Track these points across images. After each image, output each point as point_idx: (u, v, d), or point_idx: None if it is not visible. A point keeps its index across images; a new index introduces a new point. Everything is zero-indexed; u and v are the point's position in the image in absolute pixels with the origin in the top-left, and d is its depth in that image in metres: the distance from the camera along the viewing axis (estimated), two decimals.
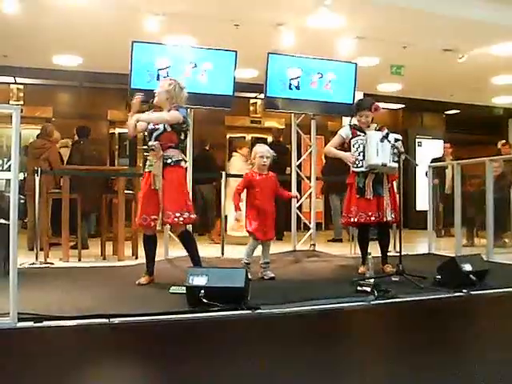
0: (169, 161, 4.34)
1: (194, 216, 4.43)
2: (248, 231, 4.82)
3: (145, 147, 4.47)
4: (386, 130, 4.99)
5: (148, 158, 4.41)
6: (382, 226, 5.13)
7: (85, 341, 2.99)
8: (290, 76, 6.48)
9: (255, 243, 4.81)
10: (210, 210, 9.32)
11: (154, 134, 4.36)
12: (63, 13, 6.67)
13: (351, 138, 5.11)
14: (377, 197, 4.97)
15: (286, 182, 6.91)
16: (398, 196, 5.11)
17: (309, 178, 7.20)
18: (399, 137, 4.97)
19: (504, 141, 9.55)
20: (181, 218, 4.31)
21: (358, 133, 5.07)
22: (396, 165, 4.79)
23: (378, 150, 4.82)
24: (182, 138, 4.46)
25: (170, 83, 4.45)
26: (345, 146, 5.25)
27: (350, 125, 5.23)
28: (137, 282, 4.35)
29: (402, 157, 4.76)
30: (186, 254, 4.52)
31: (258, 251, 4.86)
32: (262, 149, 4.92)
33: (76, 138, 7.99)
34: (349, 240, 7.11)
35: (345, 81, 6.72)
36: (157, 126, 4.36)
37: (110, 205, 6.53)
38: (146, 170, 4.40)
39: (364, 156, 4.94)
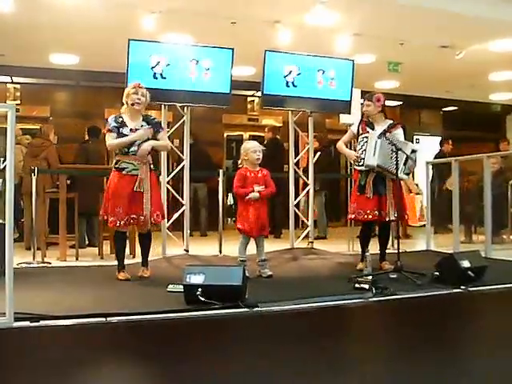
0: (151, 166, 4.68)
1: None
2: (239, 229, 4.81)
3: (127, 151, 4.54)
4: (398, 129, 4.98)
5: (127, 161, 4.52)
6: (382, 223, 5.12)
7: (82, 340, 2.98)
8: (287, 73, 6.45)
9: (246, 240, 4.80)
10: (203, 209, 9.32)
11: (138, 142, 4.55)
12: (60, 11, 6.64)
13: (360, 135, 5.10)
14: (377, 195, 4.95)
15: (283, 179, 6.93)
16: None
17: (306, 176, 7.18)
18: (416, 148, 4.95)
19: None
20: (160, 216, 4.67)
21: (368, 129, 5.05)
22: (406, 177, 4.77)
23: (375, 150, 4.80)
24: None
25: (146, 91, 4.69)
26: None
27: (361, 119, 5.21)
28: (122, 278, 4.51)
29: (411, 164, 4.77)
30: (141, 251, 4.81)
31: (253, 249, 4.85)
32: (252, 144, 4.93)
33: (86, 137, 7.99)
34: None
35: (342, 78, 6.70)
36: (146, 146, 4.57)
37: None
38: (128, 173, 4.50)
39: (365, 155, 4.93)
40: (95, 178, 6.77)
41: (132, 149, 4.52)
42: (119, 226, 4.51)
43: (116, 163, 4.59)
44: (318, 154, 8.46)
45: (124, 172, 4.51)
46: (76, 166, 7.08)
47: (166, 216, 4.95)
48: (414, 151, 4.81)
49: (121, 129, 4.54)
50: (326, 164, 8.50)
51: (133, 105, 4.56)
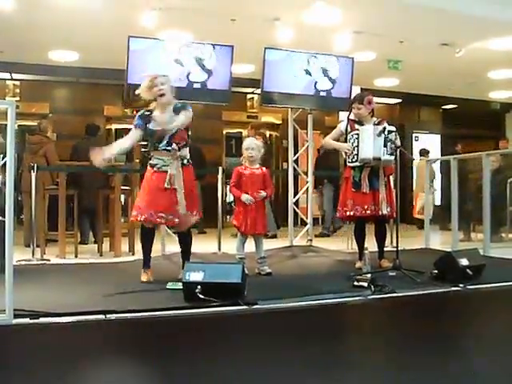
0: (185, 161, 4.35)
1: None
2: (235, 225, 4.83)
3: (157, 147, 4.30)
4: (384, 124, 4.99)
5: (158, 157, 4.29)
6: (379, 220, 5.13)
7: (81, 337, 2.98)
8: (287, 71, 6.46)
9: (243, 237, 4.79)
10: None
11: (167, 136, 4.28)
12: (59, 8, 6.63)
13: (349, 133, 5.12)
14: (373, 190, 4.97)
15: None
16: (394, 191, 5.12)
17: (305, 173, 7.18)
18: (392, 128, 4.96)
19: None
20: (196, 217, 4.39)
21: (356, 126, 5.08)
22: (392, 157, 4.79)
23: (369, 143, 4.84)
24: (190, 133, 4.48)
25: (169, 78, 4.43)
26: (341, 139, 5.31)
27: (349, 118, 5.22)
28: (144, 279, 4.32)
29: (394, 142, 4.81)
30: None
31: (252, 247, 4.86)
32: (247, 142, 4.95)
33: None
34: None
35: (342, 75, 6.70)
36: (170, 127, 4.29)
37: (107, 201, 6.51)
38: (158, 170, 4.27)
39: (358, 150, 4.95)
40: (96, 176, 6.76)
41: (161, 144, 4.27)
42: (140, 221, 4.27)
43: (150, 158, 4.37)
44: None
45: (155, 168, 4.28)
46: (74, 163, 7.07)
47: (199, 217, 4.47)
48: (390, 132, 4.85)
49: (148, 124, 4.28)
50: (264, 160, 8.42)
51: (161, 96, 4.29)
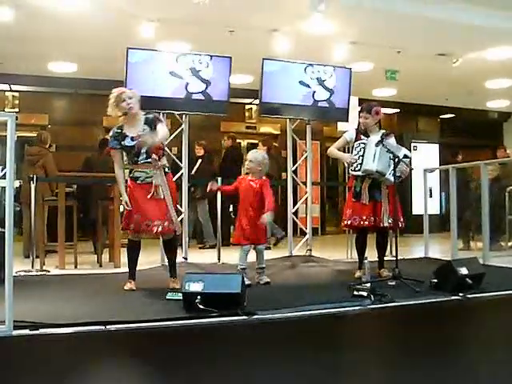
0: (166, 169, 4.47)
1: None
2: (237, 243, 4.85)
3: (136, 161, 4.36)
4: (392, 137, 4.99)
5: (139, 170, 4.35)
6: (379, 230, 5.14)
7: (81, 348, 2.97)
8: (285, 81, 6.48)
9: (247, 247, 4.79)
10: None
11: (144, 149, 4.32)
12: (58, 20, 6.68)
13: (355, 141, 5.13)
14: (373, 202, 4.98)
15: None
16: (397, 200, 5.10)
17: (304, 184, 7.19)
18: (409, 154, 4.96)
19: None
20: (178, 221, 4.50)
21: (362, 137, 5.09)
22: (393, 179, 4.74)
23: (375, 155, 4.83)
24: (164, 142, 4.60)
25: (135, 92, 4.55)
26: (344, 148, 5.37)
27: (356, 128, 5.25)
28: (126, 288, 4.38)
29: (403, 168, 4.78)
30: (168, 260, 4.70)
31: (253, 257, 4.86)
32: (248, 154, 4.97)
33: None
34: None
35: (340, 86, 6.72)
36: (154, 143, 4.33)
37: (107, 211, 6.51)
38: (142, 182, 4.34)
39: (363, 160, 4.95)
40: (95, 187, 6.77)
41: (141, 158, 4.34)
42: (130, 231, 4.42)
43: (130, 172, 4.43)
44: (200, 161, 8.49)
45: (138, 181, 4.35)
46: (75, 174, 7.08)
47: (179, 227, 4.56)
48: (406, 156, 4.85)
49: (122, 142, 4.36)
50: (207, 171, 8.46)
51: (126, 114, 4.41)
